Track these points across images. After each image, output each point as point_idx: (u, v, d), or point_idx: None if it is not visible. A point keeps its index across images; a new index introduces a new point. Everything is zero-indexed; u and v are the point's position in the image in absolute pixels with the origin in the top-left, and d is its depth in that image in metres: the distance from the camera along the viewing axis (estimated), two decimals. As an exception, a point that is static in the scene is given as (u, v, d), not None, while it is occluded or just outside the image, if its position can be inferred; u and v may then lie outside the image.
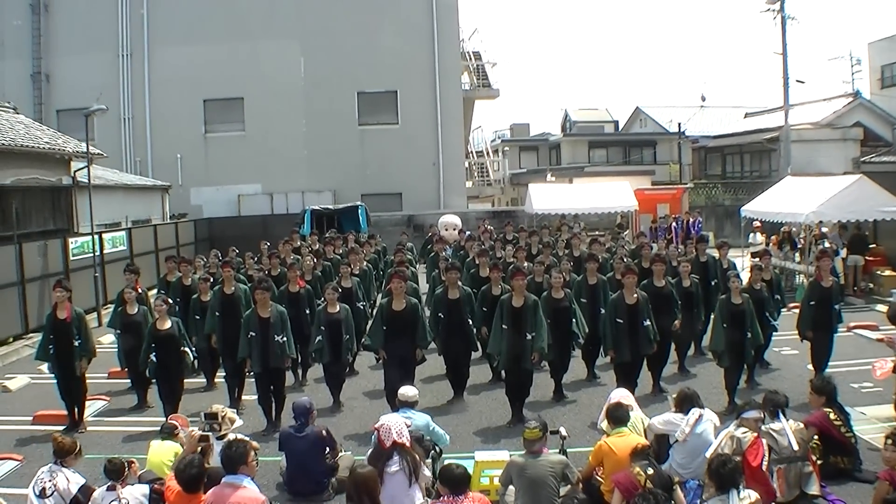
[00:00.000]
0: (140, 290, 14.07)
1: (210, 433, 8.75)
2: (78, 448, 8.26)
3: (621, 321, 12.15)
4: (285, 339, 11.87)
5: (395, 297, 12.06)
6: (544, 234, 20.44)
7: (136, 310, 13.38)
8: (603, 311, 13.04)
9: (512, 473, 7.82)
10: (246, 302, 13.39)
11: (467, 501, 6.92)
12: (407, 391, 9.58)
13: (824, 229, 23.22)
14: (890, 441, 7.48)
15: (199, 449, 8.17)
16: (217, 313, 13.38)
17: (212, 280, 14.67)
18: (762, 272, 14.03)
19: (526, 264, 15.27)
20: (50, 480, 7.87)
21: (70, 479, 7.96)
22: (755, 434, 8.13)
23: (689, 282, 14.22)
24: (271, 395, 11.89)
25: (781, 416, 8.58)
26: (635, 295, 12.21)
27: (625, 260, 15.47)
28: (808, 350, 13.26)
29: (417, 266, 20.02)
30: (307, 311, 13.98)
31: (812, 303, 13.00)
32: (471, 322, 12.95)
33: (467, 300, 12.99)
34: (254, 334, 11.68)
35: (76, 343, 12.07)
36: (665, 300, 13.06)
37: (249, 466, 7.21)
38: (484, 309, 13.20)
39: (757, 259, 15.66)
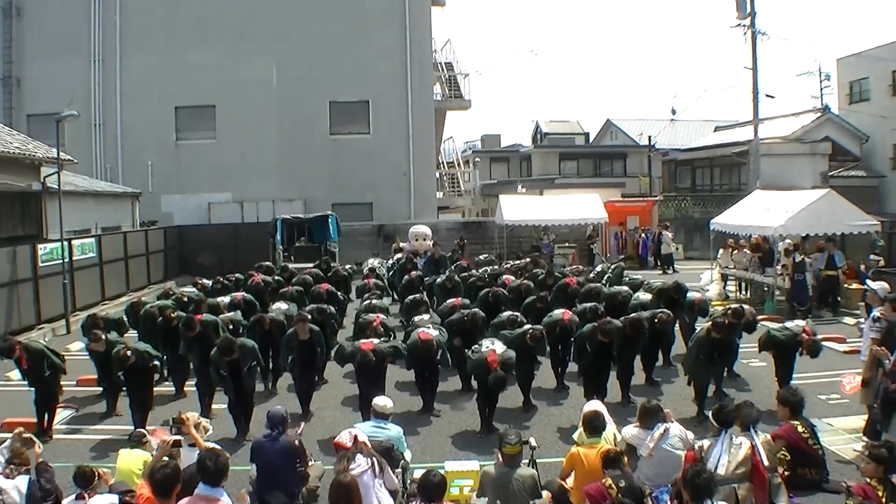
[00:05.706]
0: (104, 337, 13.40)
1: (181, 437, 8.63)
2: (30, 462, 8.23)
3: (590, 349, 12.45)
4: (254, 362, 12.16)
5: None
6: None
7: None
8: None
9: (485, 485, 7.82)
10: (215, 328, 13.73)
11: (440, 509, 6.95)
12: (384, 403, 9.60)
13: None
14: (867, 454, 7.58)
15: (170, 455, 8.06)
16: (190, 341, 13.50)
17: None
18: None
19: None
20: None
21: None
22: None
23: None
24: (241, 404, 11.88)
25: (752, 430, 8.62)
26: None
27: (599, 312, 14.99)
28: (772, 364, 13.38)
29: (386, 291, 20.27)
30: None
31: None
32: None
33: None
34: (224, 373, 11.74)
35: (47, 374, 12.32)
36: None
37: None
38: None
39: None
